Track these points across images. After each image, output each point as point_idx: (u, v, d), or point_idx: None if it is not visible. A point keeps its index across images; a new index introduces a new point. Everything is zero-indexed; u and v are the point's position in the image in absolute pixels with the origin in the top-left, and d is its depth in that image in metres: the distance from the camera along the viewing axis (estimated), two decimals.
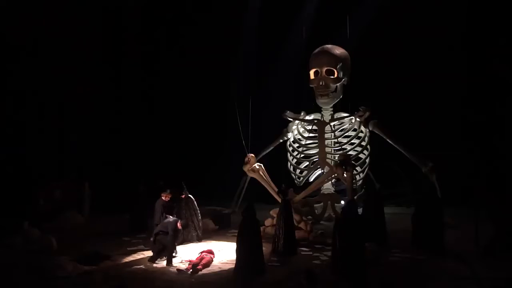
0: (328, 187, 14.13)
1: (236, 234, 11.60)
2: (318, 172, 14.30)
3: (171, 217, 10.20)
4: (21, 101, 16.80)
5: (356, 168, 13.41)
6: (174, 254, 9.59)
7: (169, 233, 9.60)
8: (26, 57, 16.79)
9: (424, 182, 12.50)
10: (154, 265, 9.42)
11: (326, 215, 13.65)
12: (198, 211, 11.74)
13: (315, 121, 14.31)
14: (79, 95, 18.04)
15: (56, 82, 17.82)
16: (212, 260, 9.40)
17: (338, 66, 13.83)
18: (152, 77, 20.24)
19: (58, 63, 17.90)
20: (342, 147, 13.93)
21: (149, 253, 10.11)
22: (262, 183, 12.93)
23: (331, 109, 14.39)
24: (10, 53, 16.35)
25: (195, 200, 11.78)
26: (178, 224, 9.79)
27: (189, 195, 11.67)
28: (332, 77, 13.85)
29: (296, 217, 11.37)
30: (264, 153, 14.86)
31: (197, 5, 19.61)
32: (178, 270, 8.92)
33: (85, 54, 18.26)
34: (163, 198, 10.86)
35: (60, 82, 17.93)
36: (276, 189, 12.09)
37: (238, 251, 8.75)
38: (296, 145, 14.39)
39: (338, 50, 14.18)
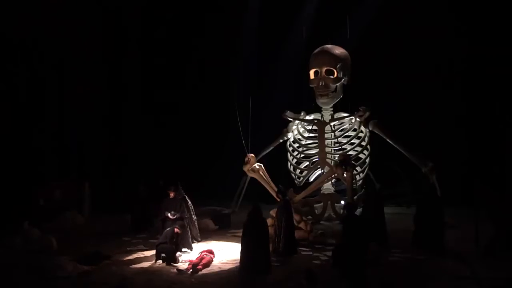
0: (328, 187, 14.13)
1: (236, 234, 11.73)
2: (318, 172, 14.31)
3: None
4: (21, 101, 16.80)
5: (356, 168, 13.41)
6: (179, 263, 9.45)
7: (168, 242, 9.57)
8: (26, 57, 16.78)
9: (424, 182, 12.49)
10: (154, 265, 9.42)
11: (326, 215, 13.65)
12: (193, 212, 11.70)
13: (315, 121, 14.32)
14: (80, 94, 18.05)
15: (57, 82, 17.84)
16: (212, 260, 9.40)
17: (338, 66, 13.83)
18: (152, 77, 20.23)
19: (59, 63, 17.93)
20: (342, 147, 13.95)
21: (149, 253, 10.13)
22: (262, 183, 12.95)
23: (331, 109, 14.40)
24: (10, 52, 16.33)
25: (191, 201, 11.73)
26: (175, 230, 9.77)
27: (184, 195, 11.65)
28: (332, 77, 13.86)
29: (296, 217, 11.36)
30: (264, 153, 14.87)
31: (197, 5, 19.61)
32: (178, 270, 8.92)
33: (86, 54, 18.27)
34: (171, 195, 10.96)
35: (61, 82, 17.95)
36: (276, 189, 12.09)
37: (243, 251, 8.75)
38: (296, 145, 14.40)
39: (338, 50, 14.19)
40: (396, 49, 16.59)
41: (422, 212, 10.33)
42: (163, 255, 9.45)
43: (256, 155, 13.30)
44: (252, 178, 13.51)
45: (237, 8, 19.00)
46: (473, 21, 16.12)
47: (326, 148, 13.88)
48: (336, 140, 14.06)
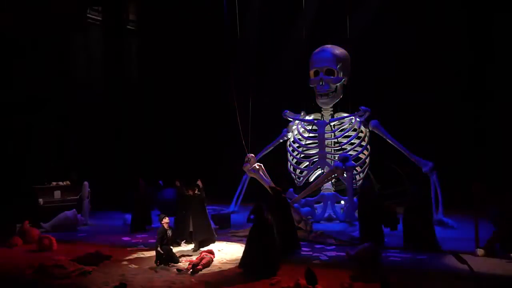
0: (328, 187, 14.14)
1: (236, 234, 11.75)
2: (318, 172, 14.31)
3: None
4: (21, 101, 16.78)
5: (356, 168, 13.42)
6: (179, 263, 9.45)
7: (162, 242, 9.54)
8: (26, 56, 16.76)
9: (417, 181, 12.35)
10: (154, 265, 9.41)
11: (326, 215, 13.66)
12: None
13: (315, 121, 14.32)
14: (80, 94, 18.06)
15: (56, 81, 17.82)
16: (212, 260, 9.39)
17: (338, 66, 13.86)
18: (153, 77, 20.23)
19: (59, 62, 17.91)
20: (342, 147, 13.95)
21: (149, 253, 10.12)
22: (262, 183, 12.95)
23: (331, 109, 14.42)
24: (10, 51, 16.31)
25: None
26: (164, 222, 9.64)
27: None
28: (332, 77, 13.88)
29: (296, 217, 11.37)
30: (264, 153, 14.88)
31: (197, 4, 19.60)
32: (178, 270, 8.93)
33: (86, 54, 18.27)
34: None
35: (61, 82, 17.94)
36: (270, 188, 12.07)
37: (248, 251, 8.74)
38: (296, 145, 14.40)
39: (338, 50, 14.21)
40: (396, 49, 16.58)
41: (411, 211, 10.31)
42: (163, 256, 9.44)
43: (256, 155, 13.30)
44: (252, 178, 13.51)
45: (237, 8, 18.98)
46: (473, 21, 16.12)
47: (326, 148, 13.89)
48: (336, 140, 14.07)
